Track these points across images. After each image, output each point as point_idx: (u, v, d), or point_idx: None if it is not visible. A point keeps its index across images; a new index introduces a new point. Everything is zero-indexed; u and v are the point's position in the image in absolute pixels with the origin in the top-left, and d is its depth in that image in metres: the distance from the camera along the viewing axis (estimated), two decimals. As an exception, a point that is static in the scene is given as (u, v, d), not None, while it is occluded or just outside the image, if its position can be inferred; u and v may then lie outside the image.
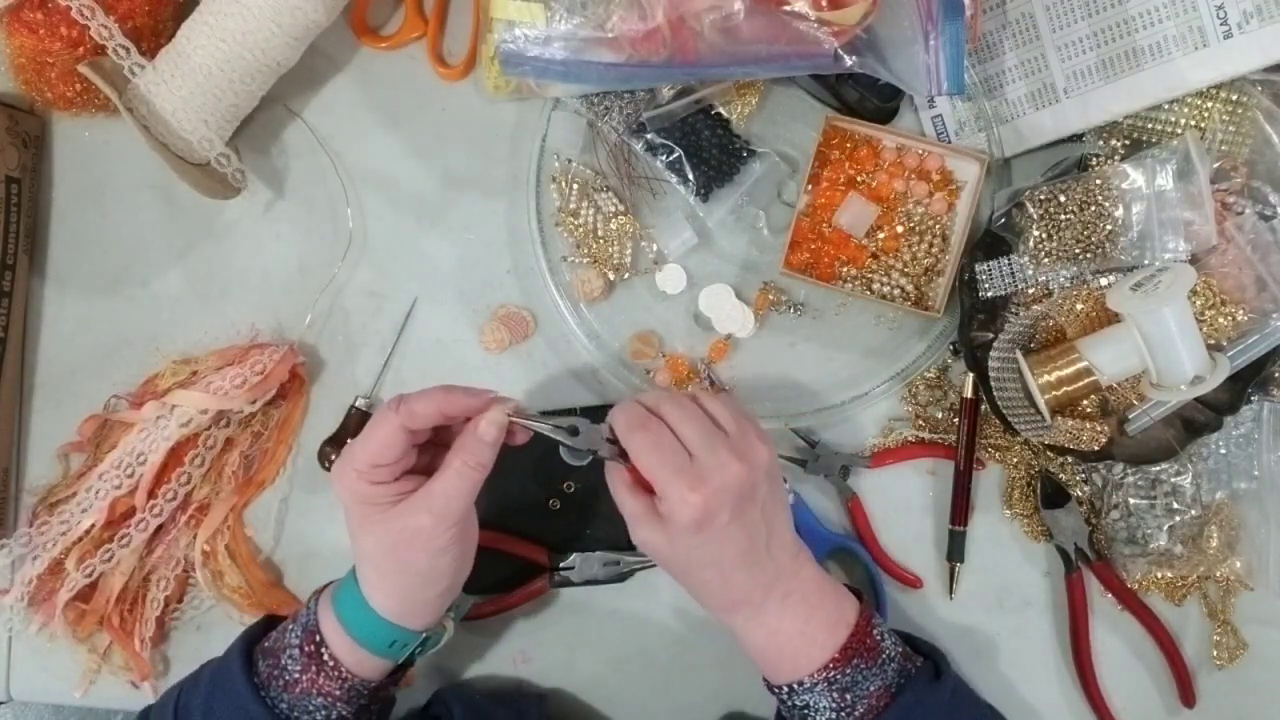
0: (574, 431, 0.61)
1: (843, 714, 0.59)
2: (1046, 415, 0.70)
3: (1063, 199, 0.69)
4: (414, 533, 0.59)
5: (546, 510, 0.76)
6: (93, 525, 0.74)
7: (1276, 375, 0.72)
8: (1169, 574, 0.75)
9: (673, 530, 0.58)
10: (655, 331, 0.77)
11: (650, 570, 0.75)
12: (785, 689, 0.60)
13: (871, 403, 0.76)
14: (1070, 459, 0.75)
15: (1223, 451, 0.74)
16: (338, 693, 0.61)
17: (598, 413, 0.75)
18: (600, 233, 0.76)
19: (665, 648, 0.77)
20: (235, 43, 0.69)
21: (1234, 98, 0.69)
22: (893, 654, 0.61)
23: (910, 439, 0.76)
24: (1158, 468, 0.73)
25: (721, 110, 0.75)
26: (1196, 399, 0.69)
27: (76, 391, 0.79)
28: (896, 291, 0.74)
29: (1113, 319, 0.70)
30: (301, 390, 0.78)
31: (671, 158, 0.74)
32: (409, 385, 0.76)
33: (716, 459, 0.58)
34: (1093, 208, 0.69)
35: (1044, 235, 0.70)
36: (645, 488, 0.60)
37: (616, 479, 0.62)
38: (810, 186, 0.75)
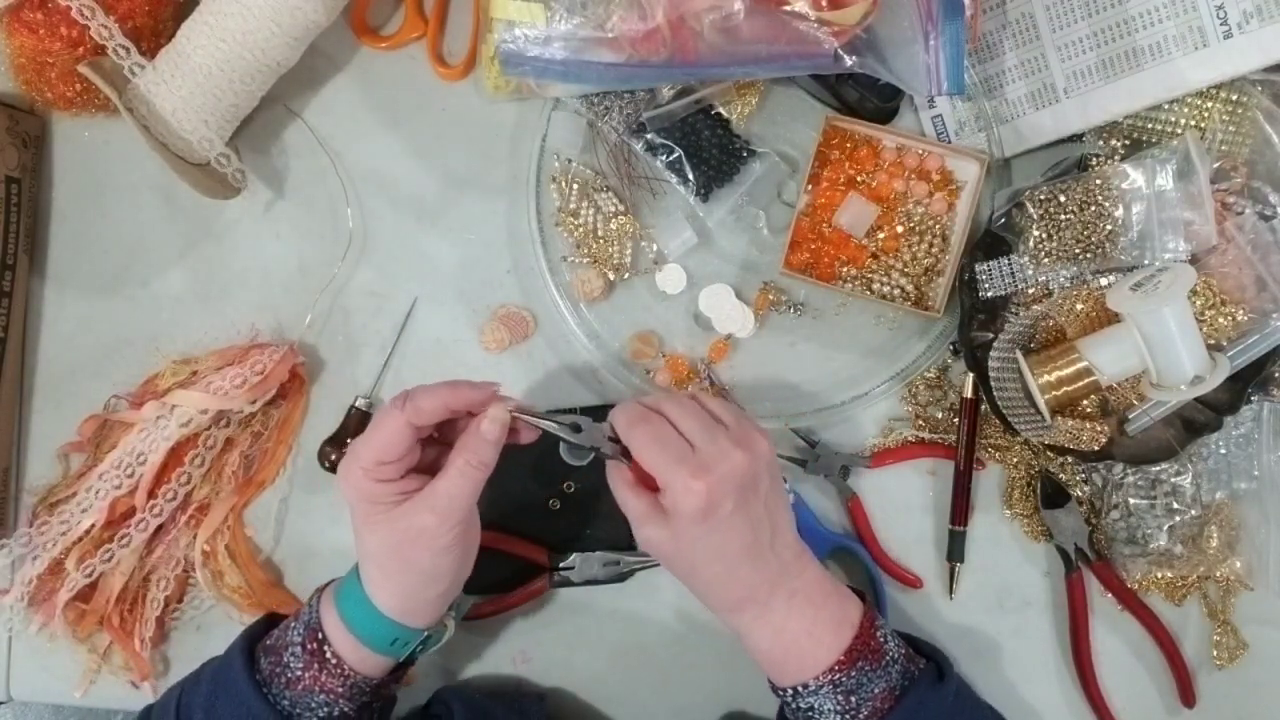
0: (576, 429, 0.61)
1: (847, 716, 0.59)
2: (1046, 415, 0.70)
3: (1063, 199, 0.69)
4: (418, 532, 0.59)
5: (546, 510, 0.76)
6: (93, 525, 0.74)
7: (1276, 375, 0.72)
8: (1169, 574, 0.75)
9: (677, 523, 0.58)
10: (655, 331, 0.77)
11: (650, 570, 0.75)
12: (790, 691, 0.60)
13: (871, 403, 0.76)
14: (1070, 459, 0.75)
15: (1223, 451, 0.74)
16: (340, 690, 0.61)
17: (598, 413, 0.74)
18: (600, 233, 0.76)
19: (665, 648, 0.77)
20: (235, 43, 0.69)
21: (1234, 98, 0.69)
22: (896, 655, 0.61)
23: (910, 439, 0.76)
24: (1158, 468, 0.73)
25: (721, 110, 0.75)
26: (1196, 399, 0.69)
27: (76, 391, 0.79)
28: (896, 291, 0.74)
29: (1113, 319, 0.70)
30: (301, 390, 0.78)
31: (671, 158, 0.74)
32: (409, 385, 0.75)
33: (718, 448, 0.58)
34: (1093, 208, 0.69)
35: (1044, 235, 0.70)
36: (647, 486, 0.60)
37: (618, 478, 0.62)
38: (810, 186, 0.75)
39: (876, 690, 0.59)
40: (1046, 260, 0.70)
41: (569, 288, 0.76)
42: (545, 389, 0.78)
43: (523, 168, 0.75)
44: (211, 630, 0.78)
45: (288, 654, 0.61)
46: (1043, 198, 0.70)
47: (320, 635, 0.61)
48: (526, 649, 0.77)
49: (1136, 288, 0.66)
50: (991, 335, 0.72)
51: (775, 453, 0.61)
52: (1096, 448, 0.71)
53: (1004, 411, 0.71)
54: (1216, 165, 0.69)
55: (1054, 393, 0.70)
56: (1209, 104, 0.70)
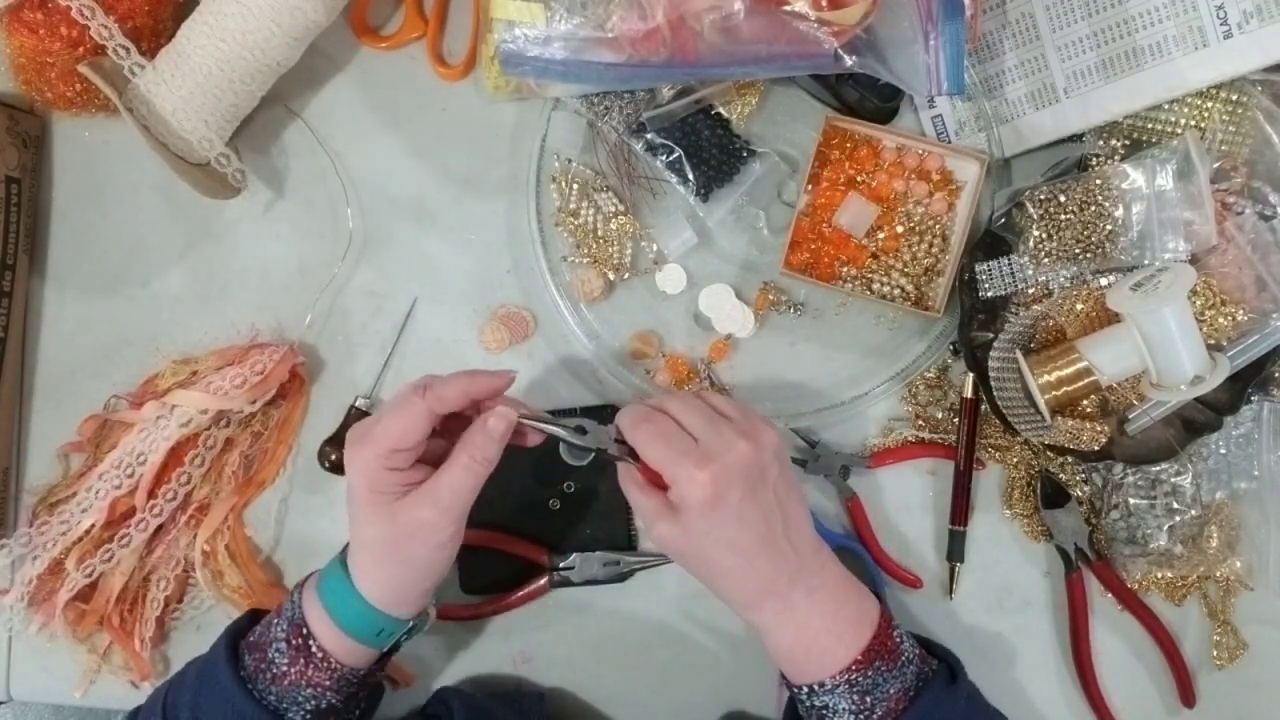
0: (582, 431, 0.61)
1: (862, 716, 0.59)
2: (1046, 415, 0.70)
3: (1063, 199, 0.69)
4: (418, 526, 0.59)
5: (546, 510, 0.76)
6: (93, 525, 0.74)
7: (1276, 375, 0.72)
8: (1169, 574, 0.75)
9: (686, 516, 0.58)
10: (655, 331, 0.77)
11: (650, 570, 0.75)
12: (806, 689, 0.60)
13: (871, 403, 0.76)
14: (1070, 459, 0.75)
15: (1223, 451, 0.74)
16: (327, 683, 0.61)
17: (599, 413, 0.75)
18: (600, 233, 0.76)
19: (665, 648, 0.77)
20: (235, 43, 0.69)
21: (1234, 98, 0.69)
22: (911, 656, 0.61)
23: (910, 439, 0.76)
24: (1158, 468, 0.73)
25: (721, 110, 0.75)
26: (1196, 399, 0.69)
27: (76, 391, 0.79)
28: (896, 291, 0.74)
29: (1113, 319, 0.70)
30: (301, 390, 0.78)
31: (671, 158, 0.74)
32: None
33: (722, 439, 0.58)
34: (1093, 208, 0.69)
35: (1044, 235, 0.70)
36: (657, 486, 0.60)
37: (628, 478, 0.62)
38: (810, 186, 0.75)
39: (891, 691, 0.59)
40: (1046, 260, 0.70)
41: (569, 288, 0.76)
42: (545, 389, 0.78)
43: (523, 168, 0.75)
44: (211, 630, 0.78)
45: (272, 650, 0.61)
46: (1043, 198, 0.70)
47: (305, 630, 0.61)
48: (526, 649, 0.77)
49: (1136, 288, 0.66)
50: (991, 335, 0.72)
51: (784, 445, 0.61)
52: (1096, 448, 0.71)
53: (1004, 411, 0.71)
54: (1216, 165, 0.69)
55: (1054, 393, 0.70)
56: (1209, 104, 0.70)
